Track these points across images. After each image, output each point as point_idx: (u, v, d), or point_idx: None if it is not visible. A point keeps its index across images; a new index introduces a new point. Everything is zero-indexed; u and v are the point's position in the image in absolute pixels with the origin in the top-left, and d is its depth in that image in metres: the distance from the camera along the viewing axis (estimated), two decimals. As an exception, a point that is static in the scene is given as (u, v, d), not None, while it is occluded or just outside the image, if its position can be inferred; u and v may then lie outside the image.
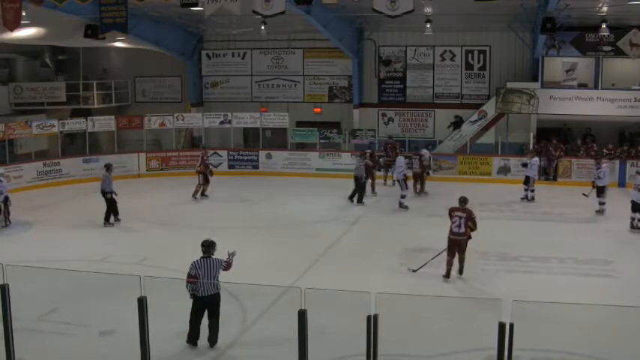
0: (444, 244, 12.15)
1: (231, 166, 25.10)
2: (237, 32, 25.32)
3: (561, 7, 19.01)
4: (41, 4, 16.50)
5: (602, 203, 18.05)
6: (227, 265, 9.37)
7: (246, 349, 9.51)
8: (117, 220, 17.03)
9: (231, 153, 25.18)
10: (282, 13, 16.95)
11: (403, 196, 18.73)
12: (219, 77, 27.90)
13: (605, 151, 22.36)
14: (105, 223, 16.79)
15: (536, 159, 19.97)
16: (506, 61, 25.06)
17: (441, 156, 23.78)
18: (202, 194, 20.05)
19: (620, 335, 8.80)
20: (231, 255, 9.42)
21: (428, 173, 21.36)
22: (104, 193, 16.93)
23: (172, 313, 9.47)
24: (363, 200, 19.22)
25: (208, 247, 9.30)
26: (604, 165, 18.59)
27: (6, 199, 16.72)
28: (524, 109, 23.39)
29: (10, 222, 16.74)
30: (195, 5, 16.70)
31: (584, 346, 9.05)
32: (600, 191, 18.03)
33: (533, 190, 19.55)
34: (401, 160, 19.30)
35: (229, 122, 25.33)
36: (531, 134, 23.51)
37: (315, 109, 27.06)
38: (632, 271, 12.98)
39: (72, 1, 16.47)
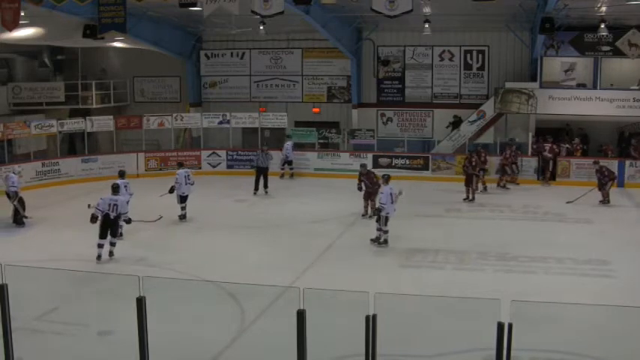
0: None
1: (229, 166, 25.09)
2: (236, 32, 25.28)
3: (560, 7, 19.02)
4: (40, 4, 16.50)
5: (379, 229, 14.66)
6: None
7: (245, 349, 9.50)
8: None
9: (230, 153, 25.18)
10: (281, 13, 16.99)
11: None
12: (218, 77, 27.88)
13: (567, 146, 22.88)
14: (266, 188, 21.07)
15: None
16: (505, 61, 25.06)
17: (439, 156, 23.81)
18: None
19: (619, 335, 8.79)
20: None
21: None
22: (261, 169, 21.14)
23: (171, 313, 9.45)
24: None
25: None
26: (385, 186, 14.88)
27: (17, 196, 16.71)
28: (523, 109, 23.39)
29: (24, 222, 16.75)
30: (194, 5, 16.75)
31: (584, 346, 9.03)
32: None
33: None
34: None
35: (228, 122, 25.31)
36: (530, 134, 23.54)
37: (314, 109, 27.05)
38: (631, 271, 12.96)
39: (71, 1, 16.49)
